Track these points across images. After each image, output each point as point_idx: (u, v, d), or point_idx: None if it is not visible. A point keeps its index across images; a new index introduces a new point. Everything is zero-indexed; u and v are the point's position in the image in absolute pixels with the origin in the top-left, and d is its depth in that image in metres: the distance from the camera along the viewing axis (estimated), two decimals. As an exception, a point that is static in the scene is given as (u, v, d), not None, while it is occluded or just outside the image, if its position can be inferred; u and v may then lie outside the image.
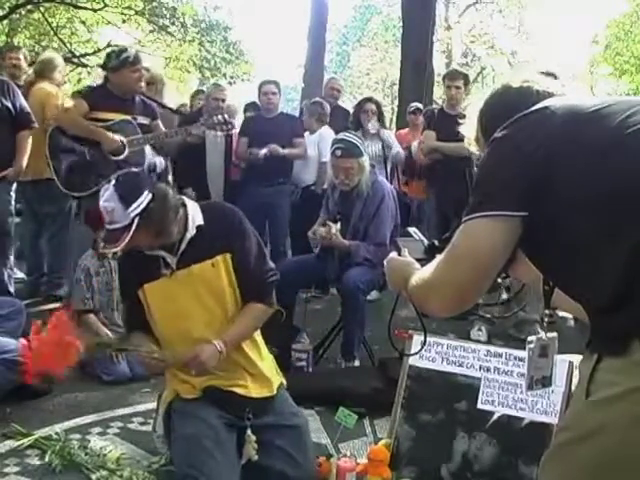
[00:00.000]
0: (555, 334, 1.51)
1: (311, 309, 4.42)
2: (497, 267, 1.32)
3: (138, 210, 2.21)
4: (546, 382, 1.50)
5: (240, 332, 2.41)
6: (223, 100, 5.34)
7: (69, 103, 4.24)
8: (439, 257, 1.35)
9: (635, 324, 1.12)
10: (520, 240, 1.28)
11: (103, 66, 4.32)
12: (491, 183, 1.30)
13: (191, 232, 2.36)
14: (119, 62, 4.13)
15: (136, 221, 2.21)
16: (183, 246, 2.36)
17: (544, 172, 1.23)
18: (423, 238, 1.77)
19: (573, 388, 2.45)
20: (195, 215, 2.39)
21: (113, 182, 2.26)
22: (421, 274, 1.43)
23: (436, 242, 1.68)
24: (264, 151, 5.13)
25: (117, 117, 4.15)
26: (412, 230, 1.83)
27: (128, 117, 4.17)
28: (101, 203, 2.25)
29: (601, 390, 1.14)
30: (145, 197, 2.24)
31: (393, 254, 1.67)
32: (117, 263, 2.82)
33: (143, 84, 4.44)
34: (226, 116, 4.56)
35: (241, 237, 2.44)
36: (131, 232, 2.20)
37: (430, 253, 1.64)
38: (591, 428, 1.14)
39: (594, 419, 1.14)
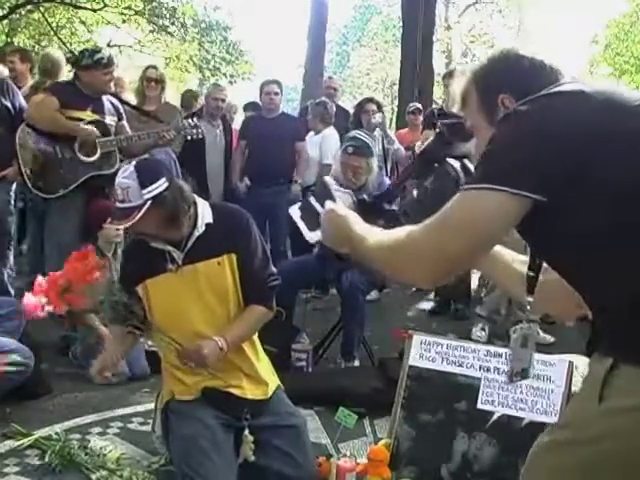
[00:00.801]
0: (536, 323, 1.45)
1: (311, 309, 4.42)
2: (490, 247, 1.26)
3: (152, 194, 2.22)
4: (524, 374, 1.46)
5: (241, 333, 2.42)
6: (223, 100, 5.34)
7: (38, 98, 4.13)
8: (427, 221, 1.23)
9: None
10: (530, 228, 1.21)
11: (74, 63, 4.26)
12: (508, 159, 1.18)
13: (200, 230, 2.37)
14: (92, 62, 4.08)
15: (148, 204, 2.21)
16: (190, 243, 2.37)
17: (575, 159, 1.15)
18: (349, 191, 1.70)
19: (573, 388, 2.46)
20: (205, 213, 2.40)
21: (134, 162, 2.29)
22: (395, 237, 1.30)
23: (366, 197, 1.60)
24: (243, 186, 5.33)
25: (88, 117, 4.09)
26: (328, 179, 1.76)
27: (99, 117, 4.12)
28: (118, 179, 2.26)
29: (617, 398, 1.11)
30: (162, 183, 2.25)
31: (330, 204, 1.54)
32: (123, 254, 2.79)
33: (113, 85, 4.43)
34: (195, 120, 4.54)
35: (247, 239, 2.45)
36: (141, 213, 2.21)
37: (359, 208, 1.55)
38: (601, 433, 1.12)
39: (606, 425, 1.12)
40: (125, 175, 2.25)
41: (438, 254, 1.20)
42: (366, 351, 3.86)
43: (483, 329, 4.40)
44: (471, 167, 1.38)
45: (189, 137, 4.43)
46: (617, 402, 1.11)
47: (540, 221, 1.19)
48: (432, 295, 5.39)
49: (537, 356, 2.55)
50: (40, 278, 2.16)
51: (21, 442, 2.72)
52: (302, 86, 13.68)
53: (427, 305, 5.35)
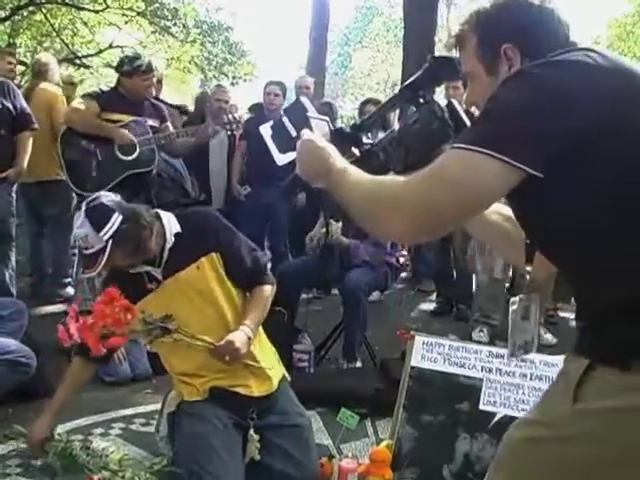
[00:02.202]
0: (537, 294, 1.41)
1: (313, 310, 4.42)
2: (480, 210, 1.23)
3: (110, 233, 2.25)
4: (528, 348, 1.42)
5: (259, 315, 2.46)
6: (226, 101, 5.34)
7: (80, 104, 4.27)
8: (421, 172, 1.16)
9: None
10: (532, 206, 1.18)
11: (116, 69, 4.38)
12: (513, 126, 1.11)
13: (170, 242, 2.40)
14: (131, 69, 4.19)
15: (110, 244, 2.24)
16: (165, 256, 2.40)
17: (589, 137, 1.09)
18: (326, 118, 1.63)
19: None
20: (171, 224, 2.43)
21: (84, 208, 2.30)
22: (387, 183, 1.23)
23: (344, 127, 1.53)
24: (244, 192, 5.35)
25: (127, 118, 4.19)
26: (305, 100, 1.69)
27: (139, 118, 4.21)
28: (75, 231, 2.29)
29: (591, 399, 1.10)
30: (116, 219, 2.27)
31: (308, 133, 1.46)
32: (102, 286, 2.77)
33: (153, 90, 4.52)
34: (236, 115, 4.59)
35: (225, 233, 2.49)
36: (106, 255, 2.24)
37: (335, 138, 1.47)
38: (573, 433, 1.12)
39: (579, 426, 1.11)
40: (79, 225, 2.27)
41: (428, 205, 1.13)
42: (368, 352, 3.86)
43: (482, 330, 4.38)
44: (459, 109, 1.29)
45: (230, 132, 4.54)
46: (591, 404, 1.10)
47: (534, 194, 1.14)
48: (434, 296, 5.40)
49: (539, 357, 2.56)
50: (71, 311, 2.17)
51: (23, 443, 2.72)
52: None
53: (429, 306, 5.36)
